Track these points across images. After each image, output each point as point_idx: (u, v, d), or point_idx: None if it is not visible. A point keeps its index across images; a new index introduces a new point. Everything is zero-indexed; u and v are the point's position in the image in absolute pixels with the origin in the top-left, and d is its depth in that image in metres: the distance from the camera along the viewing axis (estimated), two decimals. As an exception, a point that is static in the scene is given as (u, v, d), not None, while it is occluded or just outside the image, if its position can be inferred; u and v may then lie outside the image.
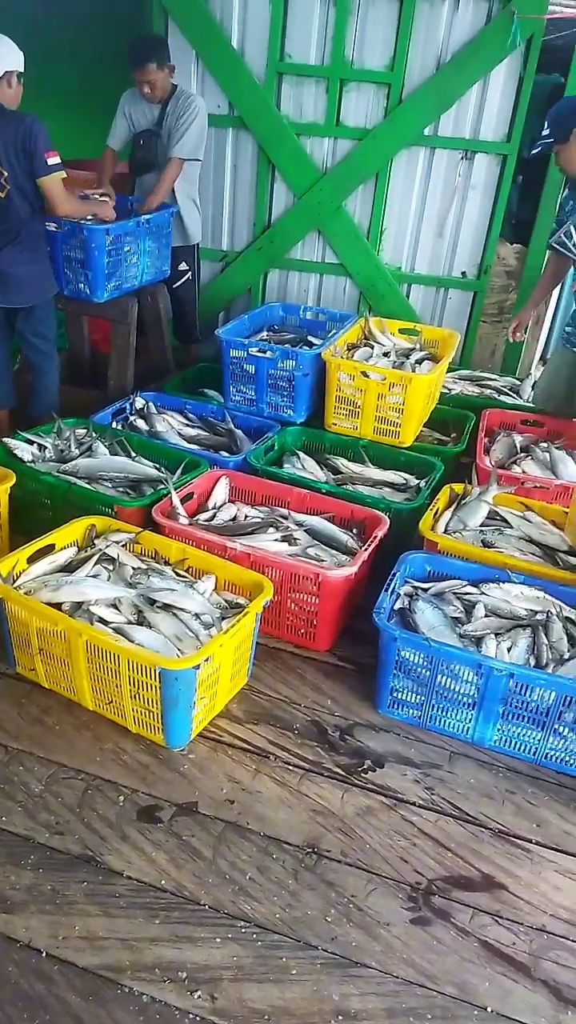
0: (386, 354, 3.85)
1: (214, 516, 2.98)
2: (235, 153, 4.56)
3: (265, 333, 4.10)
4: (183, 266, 4.24)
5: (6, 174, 2.99)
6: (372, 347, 3.89)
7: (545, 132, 3.12)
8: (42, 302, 3.32)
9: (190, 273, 4.32)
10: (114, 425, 3.49)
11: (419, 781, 2.22)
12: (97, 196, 3.61)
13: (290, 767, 2.23)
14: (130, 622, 2.35)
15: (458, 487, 3.11)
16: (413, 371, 3.61)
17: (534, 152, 3.29)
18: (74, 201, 3.24)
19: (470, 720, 2.31)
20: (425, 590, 2.56)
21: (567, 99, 3.41)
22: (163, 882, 1.89)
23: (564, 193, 3.47)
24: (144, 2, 4.35)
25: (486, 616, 2.49)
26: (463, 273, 4.58)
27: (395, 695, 2.38)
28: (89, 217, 3.47)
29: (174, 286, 4.25)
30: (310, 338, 4.02)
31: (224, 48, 4.29)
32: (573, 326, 3.45)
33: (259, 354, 3.59)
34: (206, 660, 2.11)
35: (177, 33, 4.30)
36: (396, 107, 4.23)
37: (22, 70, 3.00)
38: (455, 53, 4.07)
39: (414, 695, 2.34)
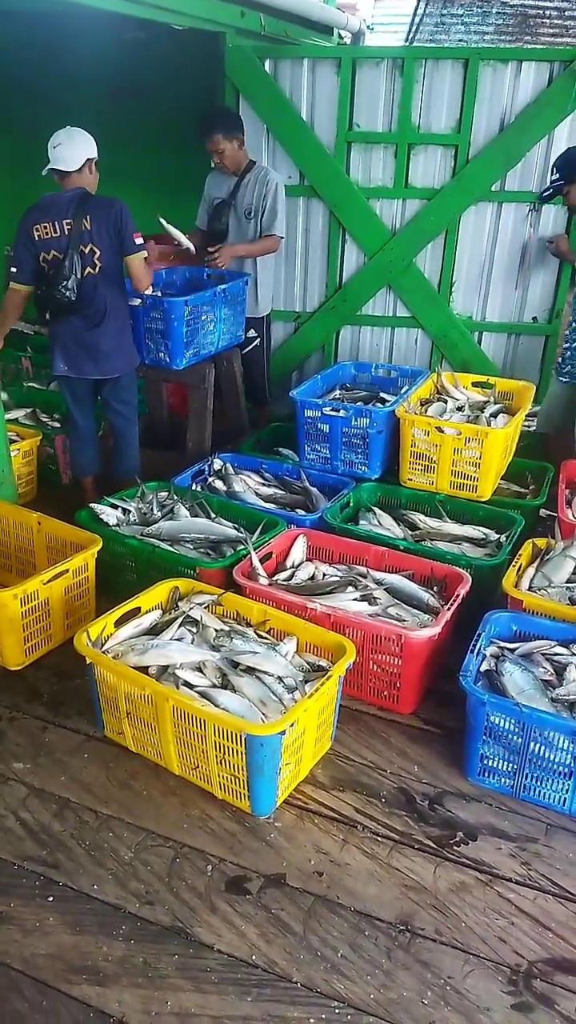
0: (460, 408, 3.83)
1: (292, 575, 2.99)
2: (307, 219, 4.69)
3: (338, 392, 4.15)
4: (252, 333, 4.37)
5: (99, 252, 3.21)
6: (446, 402, 3.88)
7: (555, 176, 3.63)
8: (127, 372, 3.49)
9: (259, 340, 4.45)
10: (194, 487, 3.58)
11: (515, 856, 2.13)
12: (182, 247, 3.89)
13: (379, 838, 2.17)
14: (215, 685, 2.37)
15: (541, 542, 3.04)
16: (488, 425, 3.59)
17: (545, 193, 3.76)
18: (151, 275, 3.45)
19: (567, 791, 2.21)
20: (512, 651, 2.50)
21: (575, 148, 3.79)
22: (254, 957, 1.86)
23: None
24: (216, 82, 4.58)
25: (578, 679, 2.40)
26: (534, 318, 4.58)
27: (485, 762, 2.30)
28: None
29: (243, 352, 4.38)
30: (383, 395, 4.04)
31: (294, 121, 4.46)
32: (562, 358, 3.88)
33: (333, 413, 3.63)
34: (291, 726, 2.11)
35: (248, 109, 4.49)
36: (463, 167, 4.31)
37: (97, 157, 3.27)
38: (519, 113, 4.15)
39: (506, 763, 2.26)
